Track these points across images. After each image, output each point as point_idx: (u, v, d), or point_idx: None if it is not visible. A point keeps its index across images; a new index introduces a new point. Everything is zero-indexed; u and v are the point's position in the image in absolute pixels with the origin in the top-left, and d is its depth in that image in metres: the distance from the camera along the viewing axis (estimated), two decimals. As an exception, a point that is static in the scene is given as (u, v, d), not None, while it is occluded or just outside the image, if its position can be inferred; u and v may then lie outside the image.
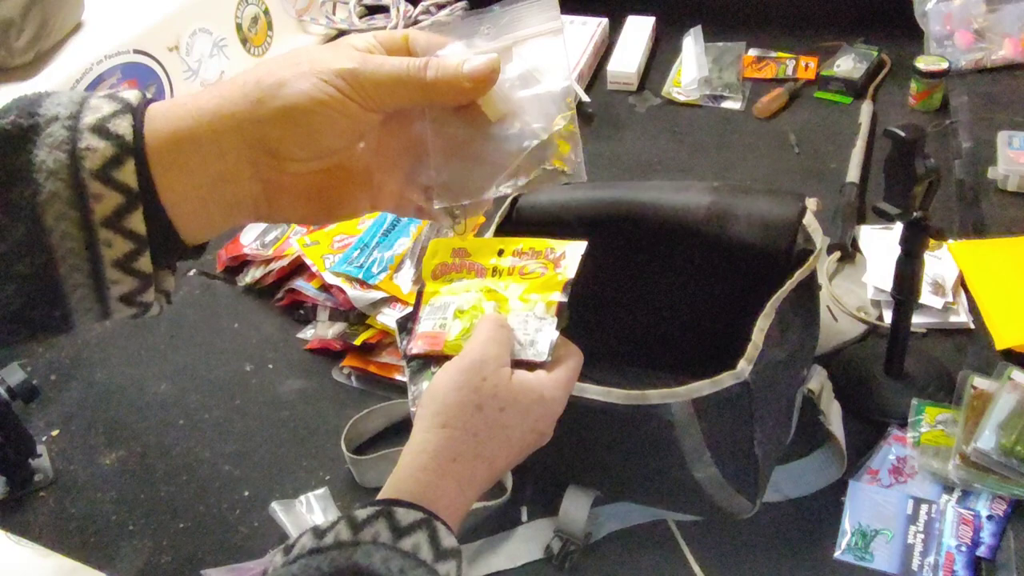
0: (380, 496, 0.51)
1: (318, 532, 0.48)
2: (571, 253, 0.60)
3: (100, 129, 0.42)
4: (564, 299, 0.58)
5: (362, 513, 0.48)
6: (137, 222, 0.43)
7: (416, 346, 0.59)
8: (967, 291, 0.97)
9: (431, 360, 0.58)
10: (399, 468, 0.52)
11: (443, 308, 0.60)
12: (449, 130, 0.51)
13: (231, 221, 0.48)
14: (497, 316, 0.57)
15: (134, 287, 0.45)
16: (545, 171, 0.53)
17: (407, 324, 0.60)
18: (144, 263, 0.45)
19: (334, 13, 1.67)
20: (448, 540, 0.48)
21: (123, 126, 0.43)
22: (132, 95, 0.45)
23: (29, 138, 0.42)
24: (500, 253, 0.60)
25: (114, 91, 0.45)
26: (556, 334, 0.58)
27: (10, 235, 0.42)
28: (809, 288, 0.79)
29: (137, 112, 0.44)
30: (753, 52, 1.46)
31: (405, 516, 0.47)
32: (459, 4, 1.68)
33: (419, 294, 0.61)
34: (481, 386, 0.52)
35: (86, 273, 0.43)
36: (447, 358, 0.56)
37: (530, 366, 0.56)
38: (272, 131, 0.44)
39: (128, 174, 0.43)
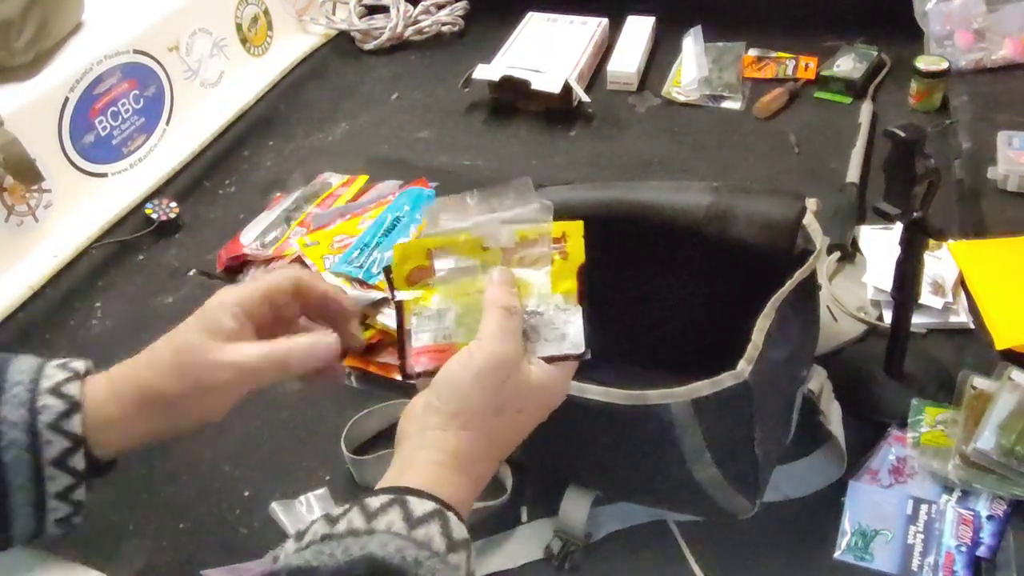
0: (386, 483, 0.51)
1: (330, 519, 0.48)
2: (572, 235, 0.59)
3: (55, 391, 0.56)
4: (582, 286, 0.58)
5: (375, 501, 0.48)
6: (79, 461, 0.56)
7: (420, 363, 0.57)
8: (967, 291, 0.97)
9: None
10: (411, 458, 0.52)
11: (438, 317, 0.57)
12: None
13: (151, 442, 0.61)
14: (505, 300, 0.55)
15: (68, 512, 0.58)
16: None
17: (401, 345, 0.58)
18: (80, 494, 0.57)
19: (334, 13, 1.67)
20: (459, 531, 0.48)
21: (74, 388, 0.56)
22: (80, 364, 0.58)
23: None
24: (485, 248, 0.58)
25: (66, 361, 0.58)
26: (585, 323, 0.57)
27: None
28: (809, 288, 0.79)
29: (84, 379, 0.57)
30: (753, 52, 1.46)
31: (419, 506, 0.48)
32: (459, 4, 1.68)
33: (398, 308, 0.58)
34: (502, 388, 0.53)
35: (31, 503, 0.55)
36: None
37: (565, 359, 0.56)
38: (173, 411, 0.58)
39: (76, 425, 0.55)
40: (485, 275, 0.58)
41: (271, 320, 0.62)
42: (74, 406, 0.56)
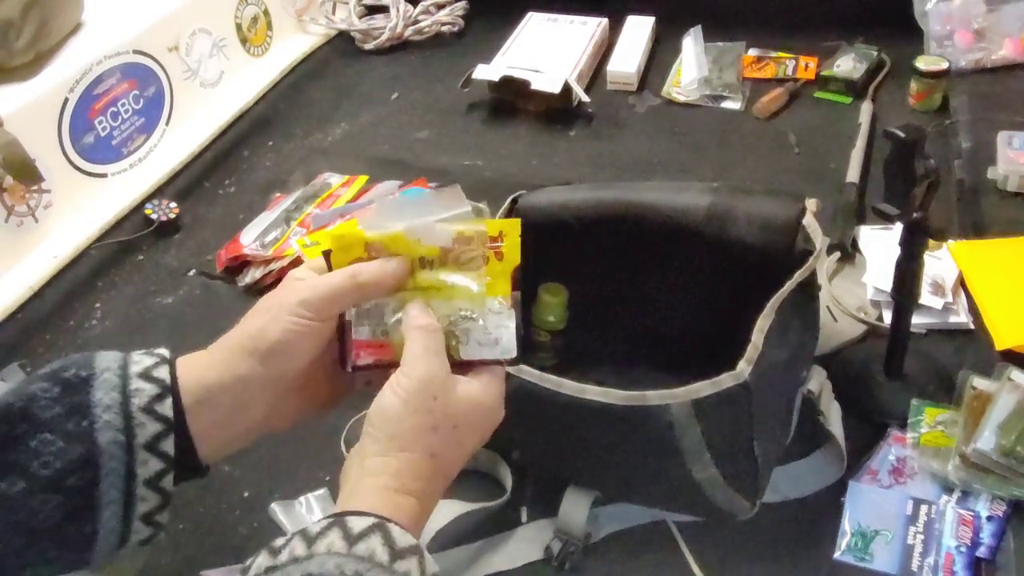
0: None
1: (273, 550, 0.49)
2: (509, 233, 0.57)
3: (146, 376, 0.56)
4: (518, 291, 0.57)
5: (315, 527, 0.49)
6: (169, 445, 0.55)
7: (360, 357, 0.58)
8: (967, 291, 0.97)
9: (383, 366, 0.57)
10: (354, 488, 0.53)
11: (376, 312, 0.58)
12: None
13: (243, 440, 0.60)
14: (423, 320, 0.56)
15: (155, 505, 0.56)
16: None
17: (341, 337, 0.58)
18: (168, 482, 0.56)
19: (334, 13, 1.67)
20: (405, 539, 0.49)
21: (163, 372, 0.56)
22: (165, 351, 0.58)
23: (88, 383, 0.54)
24: (423, 246, 0.58)
25: (150, 350, 0.58)
26: (519, 327, 0.57)
27: (67, 455, 0.52)
28: (809, 289, 0.79)
29: (172, 363, 0.57)
30: (753, 52, 1.46)
31: (358, 523, 0.48)
32: (459, 4, 1.68)
33: None
34: (433, 407, 0.54)
35: (120, 490, 0.54)
36: (399, 364, 0.56)
37: (496, 363, 0.57)
38: (268, 360, 0.57)
39: (167, 408, 0.55)
40: (423, 272, 0.58)
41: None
42: (165, 389, 0.55)
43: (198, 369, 0.57)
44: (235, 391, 0.57)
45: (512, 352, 0.57)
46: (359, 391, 0.63)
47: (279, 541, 0.49)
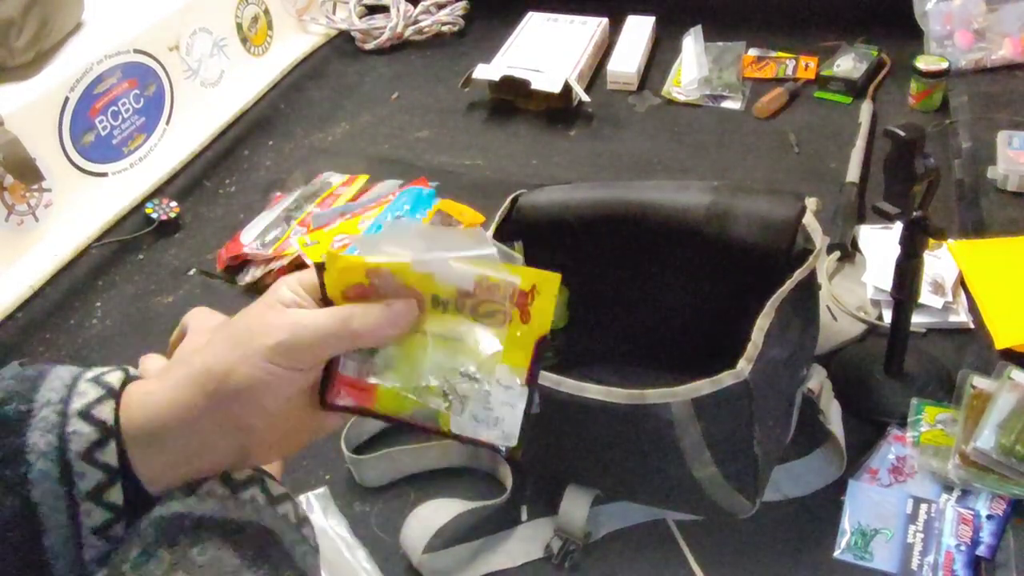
0: None
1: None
2: (543, 290, 0.46)
3: (86, 415, 0.49)
4: (536, 367, 0.46)
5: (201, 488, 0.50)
6: (115, 495, 0.49)
7: (340, 396, 0.49)
8: (967, 291, 0.97)
9: (359, 412, 0.49)
10: None
11: (368, 349, 0.49)
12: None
13: (208, 473, 0.53)
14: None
15: (107, 550, 0.51)
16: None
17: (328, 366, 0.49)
18: (118, 530, 0.50)
19: (334, 13, 1.67)
20: (279, 489, 0.51)
21: (106, 412, 0.49)
22: (115, 378, 0.51)
23: (25, 422, 0.49)
24: (436, 284, 0.47)
25: (101, 373, 0.51)
26: (528, 412, 0.47)
27: (4, 507, 0.48)
28: (809, 288, 0.79)
29: (119, 397, 0.50)
30: (753, 52, 1.46)
31: (238, 475, 0.50)
32: (459, 4, 1.69)
33: None
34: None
35: (68, 542, 0.49)
36: (378, 416, 0.49)
37: (488, 447, 0.47)
38: (231, 404, 0.49)
39: (110, 455, 0.49)
40: (435, 315, 0.48)
41: None
42: (107, 433, 0.49)
43: (148, 404, 0.50)
44: (189, 433, 0.50)
45: (513, 440, 0.47)
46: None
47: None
